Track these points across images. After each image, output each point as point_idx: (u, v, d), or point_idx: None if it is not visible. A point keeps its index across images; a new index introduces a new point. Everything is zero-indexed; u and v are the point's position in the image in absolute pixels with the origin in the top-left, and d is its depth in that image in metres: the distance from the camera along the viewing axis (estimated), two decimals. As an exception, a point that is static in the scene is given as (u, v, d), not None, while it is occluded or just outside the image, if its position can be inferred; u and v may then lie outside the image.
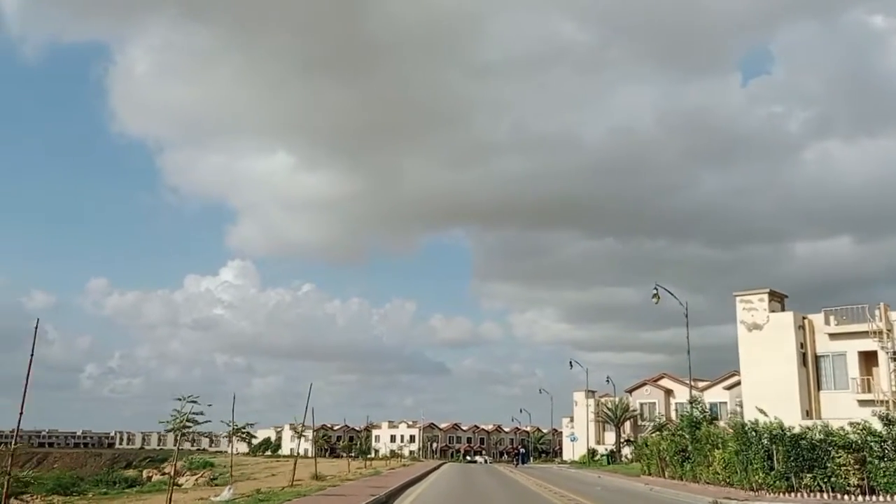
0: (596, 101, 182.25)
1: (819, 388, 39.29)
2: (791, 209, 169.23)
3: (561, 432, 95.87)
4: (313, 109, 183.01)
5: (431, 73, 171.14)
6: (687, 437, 30.62)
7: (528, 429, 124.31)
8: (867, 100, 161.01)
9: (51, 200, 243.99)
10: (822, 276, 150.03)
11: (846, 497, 21.51)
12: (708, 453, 27.75)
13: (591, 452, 70.26)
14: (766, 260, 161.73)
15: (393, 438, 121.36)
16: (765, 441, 23.64)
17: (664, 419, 63.30)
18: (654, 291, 38.47)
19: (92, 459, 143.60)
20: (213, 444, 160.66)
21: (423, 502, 21.56)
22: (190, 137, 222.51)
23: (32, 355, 13.23)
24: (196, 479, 59.87)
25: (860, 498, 21.22)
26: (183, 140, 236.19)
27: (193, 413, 15.06)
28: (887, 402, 35.38)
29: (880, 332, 37.07)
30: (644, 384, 73.18)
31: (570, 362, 73.55)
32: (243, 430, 24.76)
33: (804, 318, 40.12)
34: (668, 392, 70.41)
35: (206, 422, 15.41)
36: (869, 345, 37.56)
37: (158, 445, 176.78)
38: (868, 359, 38.14)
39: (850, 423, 22.60)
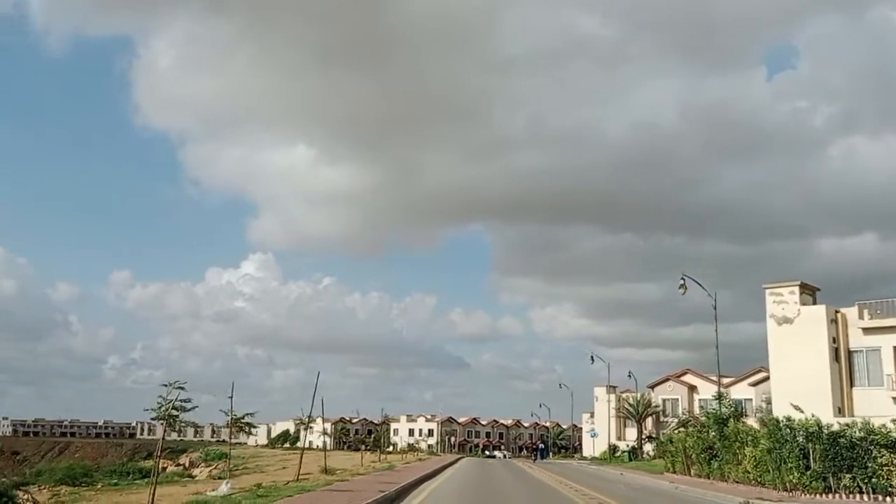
0: (618, 95, 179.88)
1: (852, 384, 37.72)
2: (815, 205, 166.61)
3: (581, 428, 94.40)
4: (332, 99, 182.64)
5: (449, 65, 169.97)
6: (714, 433, 29.26)
7: (548, 424, 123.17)
8: (893, 95, 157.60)
9: (76, 192, 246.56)
10: (847, 273, 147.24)
11: (888, 499, 20.22)
12: (738, 451, 26.42)
13: (612, 448, 68.78)
14: (788, 256, 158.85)
15: (411, 432, 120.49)
16: (800, 439, 22.38)
17: (688, 415, 61.70)
18: (682, 282, 37.22)
19: (113, 450, 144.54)
20: (233, 437, 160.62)
21: (436, 499, 20.22)
22: (211, 131, 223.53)
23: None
24: (210, 471, 59.33)
25: (904, 501, 19.85)
26: (205, 133, 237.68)
27: (181, 400, 14.03)
28: (926, 399, 33.78)
29: (918, 327, 35.42)
30: (667, 380, 71.63)
31: (592, 357, 72.23)
32: (242, 421, 23.68)
33: (837, 311, 38.49)
34: (692, 388, 68.82)
35: (193, 408, 14.44)
36: (905, 340, 35.90)
37: (179, 436, 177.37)
38: (904, 354, 36.47)
39: (894, 421, 21.28)
